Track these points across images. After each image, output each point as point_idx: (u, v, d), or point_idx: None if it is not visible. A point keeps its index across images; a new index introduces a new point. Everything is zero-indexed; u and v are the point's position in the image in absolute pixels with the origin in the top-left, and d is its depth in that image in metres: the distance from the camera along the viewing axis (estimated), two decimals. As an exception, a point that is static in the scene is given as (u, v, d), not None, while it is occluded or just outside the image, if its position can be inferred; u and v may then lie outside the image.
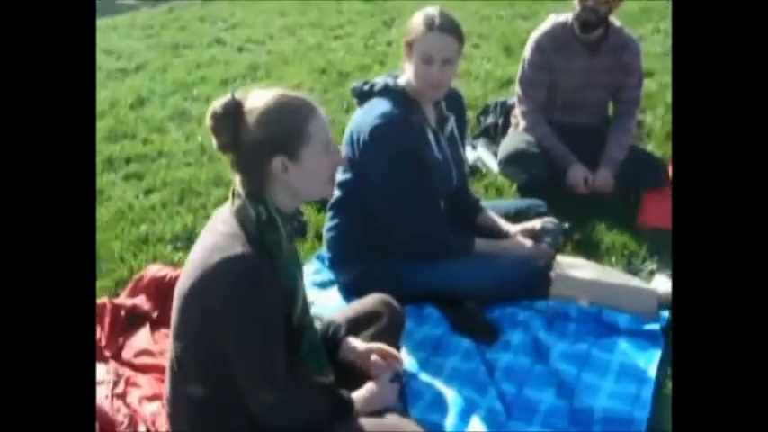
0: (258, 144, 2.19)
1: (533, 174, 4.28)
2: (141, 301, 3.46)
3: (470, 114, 5.38)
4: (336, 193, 3.40)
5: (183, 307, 2.27)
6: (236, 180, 2.27)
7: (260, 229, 2.19)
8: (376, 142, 3.17)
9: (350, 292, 3.42)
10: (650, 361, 3.00)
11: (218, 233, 2.22)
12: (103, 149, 5.42)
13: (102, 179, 5.01)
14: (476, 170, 4.61)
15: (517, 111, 4.51)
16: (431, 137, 3.30)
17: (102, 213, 4.52)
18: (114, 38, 8.37)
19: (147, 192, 4.77)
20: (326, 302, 3.44)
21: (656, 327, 3.14)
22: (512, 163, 4.35)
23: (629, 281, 3.33)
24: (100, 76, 7.08)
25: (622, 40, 4.35)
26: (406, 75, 3.28)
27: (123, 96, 6.48)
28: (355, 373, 2.59)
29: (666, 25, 7.78)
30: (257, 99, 2.21)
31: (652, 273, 3.59)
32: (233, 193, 2.28)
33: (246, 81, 6.58)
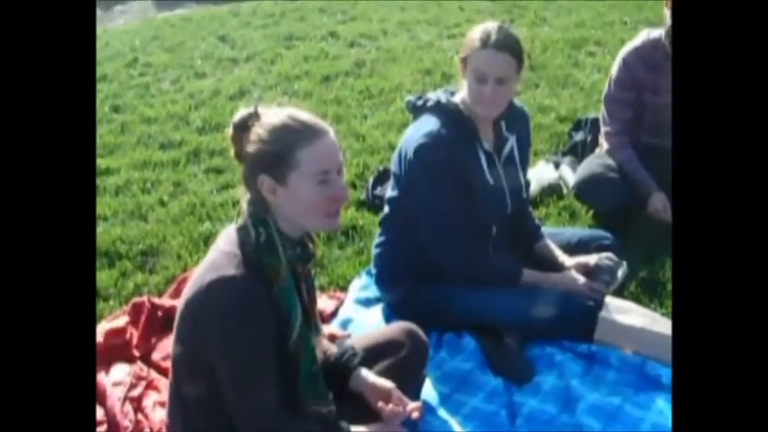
0: (251, 160, 2.20)
1: (607, 201, 4.02)
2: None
3: (564, 128, 5.17)
4: (385, 209, 3.35)
5: (180, 318, 2.29)
6: (244, 198, 2.28)
7: (258, 251, 2.19)
8: (420, 161, 3.04)
9: (393, 312, 3.34)
10: (688, 423, 2.75)
11: (218, 251, 2.25)
12: (193, 140, 5.46)
13: (185, 171, 5.03)
14: (555, 190, 4.38)
15: (601, 131, 4.25)
16: (483, 159, 3.13)
17: (174, 207, 4.53)
18: (234, 25, 8.44)
19: (223, 187, 4.75)
20: (366, 321, 3.36)
21: (701, 386, 2.87)
22: (586, 188, 4.08)
23: (681, 331, 3.06)
24: (210, 65, 7.15)
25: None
26: (462, 92, 3.12)
27: (226, 87, 6.50)
28: (366, 406, 2.48)
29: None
30: (269, 115, 2.21)
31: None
32: (239, 211, 2.28)
33: (350, 78, 6.49)
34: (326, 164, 2.18)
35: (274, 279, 2.18)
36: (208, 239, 4.11)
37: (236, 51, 7.49)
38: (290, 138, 2.16)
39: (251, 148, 2.18)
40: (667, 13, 3.86)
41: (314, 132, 2.19)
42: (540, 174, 4.42)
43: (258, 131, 2.17)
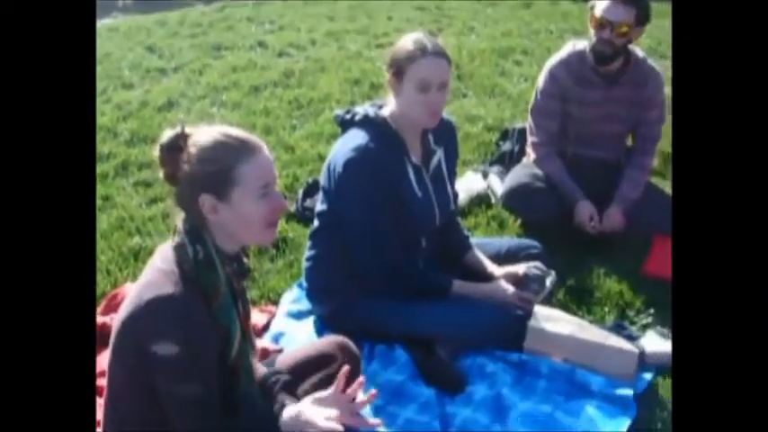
0: (190, 180, 2.19)
1: (535, 210, 4.08)
2: (111, 321, 3.37)
3: (492, 137, 5.23)
4: (315, 223, 3.35)
5: (118, 337, 2.25)
6: (179, 216, 2.27)
7: (196, 269, 2.18)
8: (348, 175, 3.05)
9: (325, 325, 3.34)
10: (616, 430, 2.80)
11: (155, 269, 2.22)
12: (121, 153, 5.38)
13: (114, 184, 4.96)
14: (483, 200, 4.43)
15: (528, 141, 4.32)
16: (411, 172, 3.15)
17: (103, 221, 4.47)
18: (162, 35, 8.35)
19: (153, 201, 4.70)
20: (298, 334, 3.35)
21: (628, 392, 2.94)
22: (514, 198, 4.15)
23: (608, 339, 3.11)
24: (137, 75, 7.07)
25: (645, 71, 4.11)
26: (390, 106, 3.14)
27: (154, 98, 6.43)
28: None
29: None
30: (200, 135, 2.21)
31: (645, 327, 3.38)
32: (175, 229, 2.27)
33: (278, 88, 6.47)
34: (266, 177, 2.21)
35: (213, 296, 2.18)
36: (138, 254, 4.07)
37: (164, 62, 7.41)
38: (230, 155, 2.18)
39: (188, 169, 2.17)
40: (592, 30, 3.94)
41: (251, 148, 2.21)
42: (468, 184, 4.47)
43: (194, 151, 2.17)
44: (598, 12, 3.88)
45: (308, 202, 4.30)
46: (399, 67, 3.02)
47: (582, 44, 4.11)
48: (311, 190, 4.40)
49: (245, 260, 2.39)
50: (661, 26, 7.78)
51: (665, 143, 4.31)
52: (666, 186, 4.56)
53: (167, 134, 2.21)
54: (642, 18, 3.89)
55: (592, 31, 3.95)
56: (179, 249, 2.20)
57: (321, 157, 4.92)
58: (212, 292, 2.18)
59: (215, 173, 2.16)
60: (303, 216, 4.27)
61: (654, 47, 7.31)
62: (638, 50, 4.13)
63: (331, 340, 2.81)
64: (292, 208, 4.38)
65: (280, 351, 3.10)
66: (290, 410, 2.28)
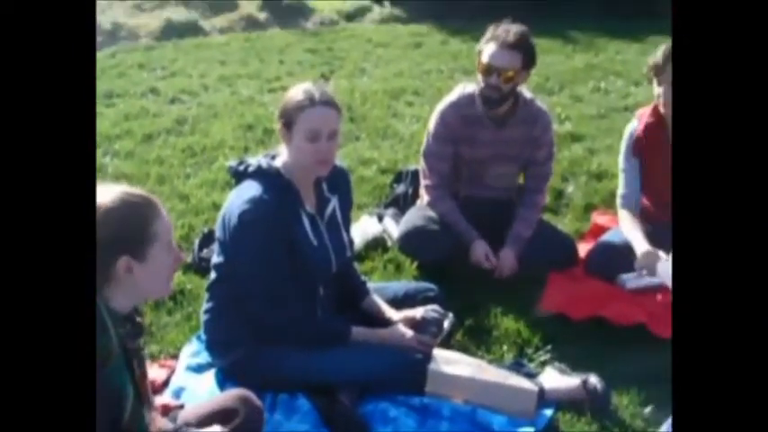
0: (101, 244, 2.09)
1: (431, 252, 4.13)
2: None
3: (386, 180, 5.28)
4: (212, 274, 3.33)
5: None
6: None
7: None
8: (244, 227, 3.05)
9: (225, 378, 3.30)
10: (519, 469, 2.85)
11: None
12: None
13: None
14: (379, 243, 4.46)
15: (422, 184, 4.38)
16: (306, 222, 3.17)
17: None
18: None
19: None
20: (199, 388, 3.29)
21: (530, 430, 2.99)
22: (410, 241, 4.19)
23: (507, 379, 3.18)
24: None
25: (533, 112, 4.22)
26: (282, 155, 3.16)
27: (44, 149, 6.28)
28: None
29: (607, 84, 7.70)
30: (99, 196, 2.16)
31: (543, 363, 3.45)
32: None
33: (171, 136, 6.40)
34: (171, 230, 2.26)
35: (105, 360, 2.13)
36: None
37: (54, 111, 7.26)
38: (142, 213, 2.19)
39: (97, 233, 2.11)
40: (479, 75, 4.03)
41: (154, 202, 2.23)
42: (363, 228, 4.50)
43: (100, 213, 2.12)
44: (485, 58, 3.98)
45: (205, 253, 4.25)
46: (289, 118, 3.06)
47: (471, 87, 4.20)
48: (207, 240, 4.35)
49: (137, 319, 2.37)
50: (548, 63, 8.04)
51: (555, 180, 4.41)
52: (558, 223, 4.68)
53: None
54: (528, 62, 4.00)
55: (479, 77, 4.05)
56: None
57: (216, 206, 4.86)
58: (105, 356, 2.13)
59: (132, 233, 2.17)
60: (200, 267, 4.21)
61: (542, 83, 7.50)
62: (525, 92, 4.24)
63: (233, 394, 2.80)
64: (189, 259, 4.32)
65: (181, 407, 3.05)
66: None
